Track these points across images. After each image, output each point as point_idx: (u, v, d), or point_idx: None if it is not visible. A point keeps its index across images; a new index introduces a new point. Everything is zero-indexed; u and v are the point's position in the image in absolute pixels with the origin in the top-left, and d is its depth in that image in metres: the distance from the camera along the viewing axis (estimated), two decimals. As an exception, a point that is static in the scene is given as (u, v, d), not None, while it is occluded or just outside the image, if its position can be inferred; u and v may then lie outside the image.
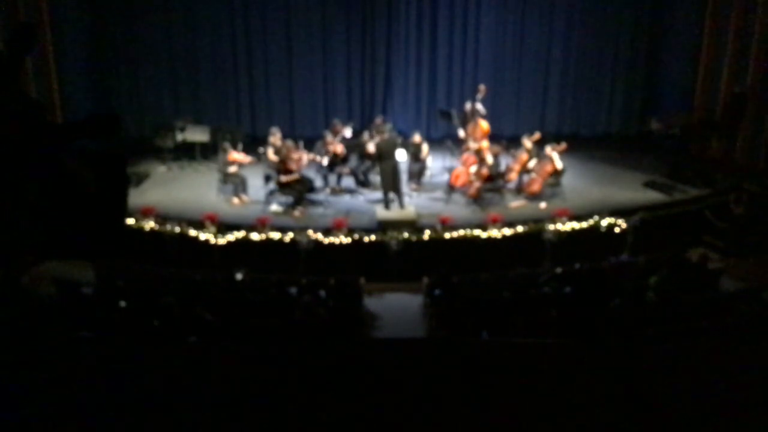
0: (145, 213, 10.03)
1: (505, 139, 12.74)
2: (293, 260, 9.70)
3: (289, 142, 11.07)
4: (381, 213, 10.52)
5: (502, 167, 11.48)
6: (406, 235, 9.89)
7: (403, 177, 11.43)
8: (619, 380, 1.94)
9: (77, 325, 6.58)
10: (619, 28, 14.89)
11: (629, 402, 1.83)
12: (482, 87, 12.45)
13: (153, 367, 2.02)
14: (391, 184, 10.61)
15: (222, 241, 9.81)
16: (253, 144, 12.51)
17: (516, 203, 11.12)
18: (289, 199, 10.86)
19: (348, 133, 12.10)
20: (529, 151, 11.49)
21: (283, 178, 10.67)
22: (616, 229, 10.28)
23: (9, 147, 1.48)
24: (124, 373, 1.98)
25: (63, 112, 12.27)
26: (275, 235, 9.80)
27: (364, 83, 15.04)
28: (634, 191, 11.66)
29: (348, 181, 11.80)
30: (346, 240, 9.81)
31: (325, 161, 11.32)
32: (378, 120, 12.76)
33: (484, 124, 12.00)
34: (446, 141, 12.74)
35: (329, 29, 14.69)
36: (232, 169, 11.16)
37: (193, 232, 9.90)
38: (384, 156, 10.69)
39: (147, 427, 1.74)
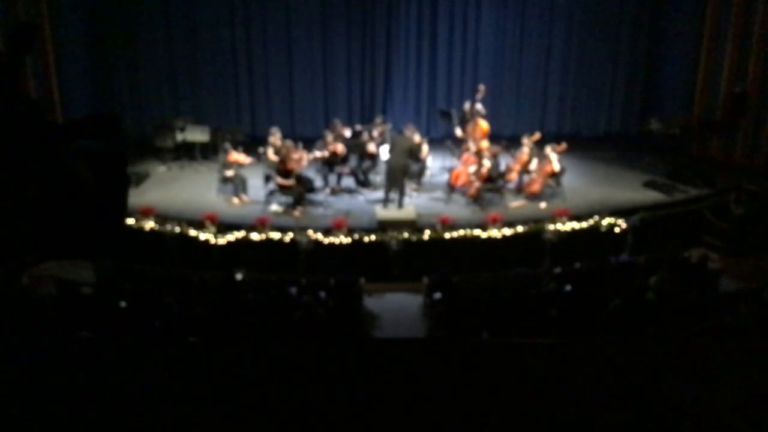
0: (145, 213, 10.03)
1: (505, 139, 12.74)
2: (293, 260, 9.71)
3: (289, 142, 11.08)
4: (381, 213, 10.52)
5: (502, 167, 11.48)
6: (406, 235, 9.89)
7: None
8: (619, 380, 1.94)
9: (77, 325, 6.58)
10: (619, 28, 14.90)
11: (629, 402, 1.84)
12: (482, 87, 12.44)
13: (153, 367, 2.03)
14: (396, 181, 10.58)
15: (222, 241, 9.81)
16: (253, 144, 12.51)
17: (516, 203, 11.12)
18: (289, 199, 10.87)
19: (348, 133, 12.12)
20: (529, 152, 11.49)
21: (282, 182, 10.67)
22: (616, 229, 10.28)
23: (8, 147, 1.49)
24: (124, 373, 1.98)
25: (63, 112, 12.28)
26: (275, 235, 9.80)
27: (364, 83, 15.06)
28: (634, 191, 11.67)
29: (348, 181, 11.80)
30: (346, 240, 9.81)
31: (325, 153, 11.33)
32: (378, 120, 12.78)
33: (484, 124, 12.00)
34: (446, 141, 12.74)
35: (329, 29, 14.70)
36: (230, 173, 11.14)
37: (193, 232, 9.90)
38: (395, 152, 10.67)
39: (146, 427, 1.74)
